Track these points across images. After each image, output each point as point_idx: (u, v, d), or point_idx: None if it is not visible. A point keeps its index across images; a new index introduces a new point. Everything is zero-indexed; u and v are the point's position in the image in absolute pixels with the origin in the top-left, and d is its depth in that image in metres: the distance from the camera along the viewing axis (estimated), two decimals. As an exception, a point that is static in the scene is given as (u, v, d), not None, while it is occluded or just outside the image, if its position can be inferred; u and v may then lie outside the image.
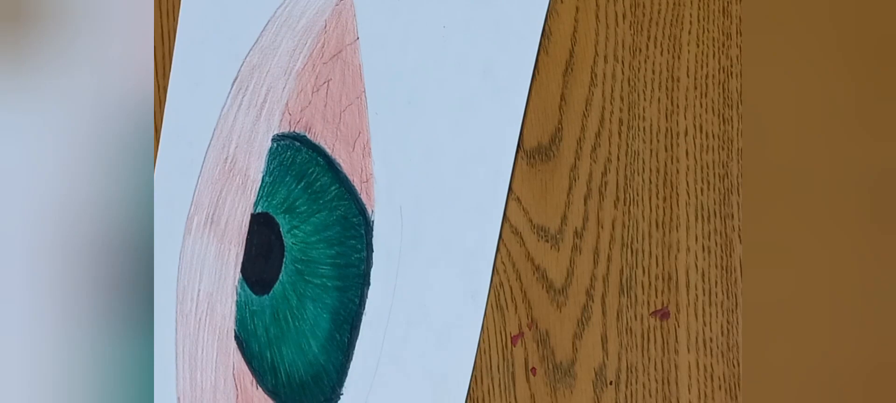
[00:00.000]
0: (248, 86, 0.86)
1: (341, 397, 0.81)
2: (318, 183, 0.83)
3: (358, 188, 0.81)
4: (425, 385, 0.78)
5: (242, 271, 0.86)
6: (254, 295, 0.85)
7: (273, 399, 0.84)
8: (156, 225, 0.90)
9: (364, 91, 0.81)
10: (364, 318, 0.80)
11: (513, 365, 0.76)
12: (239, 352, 0.86)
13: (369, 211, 0.80)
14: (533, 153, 0.75)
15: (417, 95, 0.79)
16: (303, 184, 0.83)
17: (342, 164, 0.82)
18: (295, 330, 0.83)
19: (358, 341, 0.81)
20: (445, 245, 0.78)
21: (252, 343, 0.85)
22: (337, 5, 0.83)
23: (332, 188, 0.82)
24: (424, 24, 0.79)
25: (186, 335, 0.88)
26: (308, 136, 0.83)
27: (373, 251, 0.80)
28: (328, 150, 0.82)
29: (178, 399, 0.88)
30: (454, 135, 0.77)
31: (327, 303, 0.82)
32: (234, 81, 0.87)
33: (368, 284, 0.80)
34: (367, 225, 0.80)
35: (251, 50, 0.87)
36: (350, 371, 0.81)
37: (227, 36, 0.87)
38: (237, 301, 0.86)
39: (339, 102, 0.82)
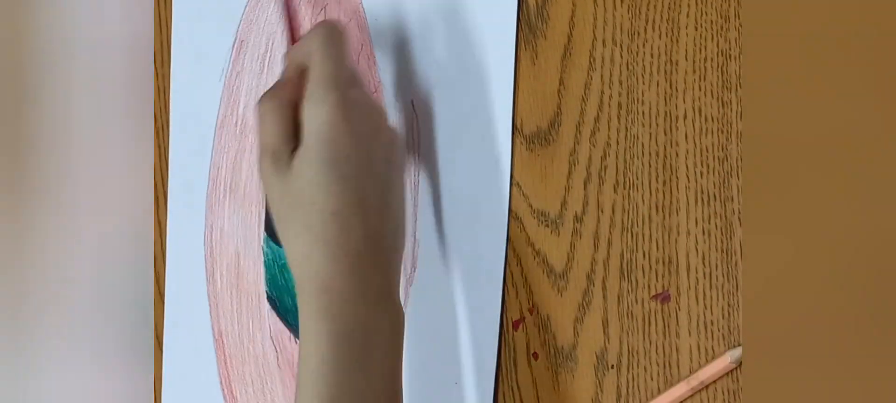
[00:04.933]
0: (248, 41, 0.86)
1: None
2: None
3: None
4: (462, 270, 0.77)
5: (266, 228, 0.85)
6: (280, 249, 0.84)
7: None
8: (176, 216, 0.89)
9: (361, 2, 0.81)
10: None
11: (514, 351, 0.76)
12: (274, 312, 0.85)
13: None
14: (532, 138, 0.75)
15: None
16: None
17: None
18: None
19: None
20: (462, 119, 0.77)
21: (285, 299, 0.85)
22: None
23: None
24: None
25: (221, 315, 0.88)
26: None
27: None
28: None
29: (222, 388, 0.87)
30: (454, 8, 0.77)
31: None
32: (234, 42, 0.87)
33: None
34: None
35: (247, 4, 0.86)
36: None
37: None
38: (265, 261, 0.86)
39: None
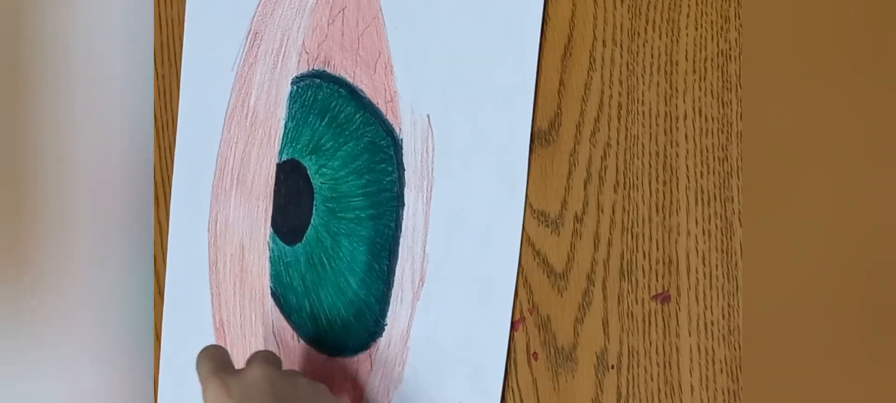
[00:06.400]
0: (262, 35, 0.86)
1: (385, 328, 0.80)
2: (343, 114, 0.81)
3: (383, 109, 0.80)
4: (471, 290, 0.76)
5: (273, 224, 0.85)
6: (287, 247, 0.84)
7: (316, 348, 0.83)
8: (180, 202, 0.89)
9: (380, 9, 0.80)
10: (401, 240, 0.79)
11: (515, 351, 0.76)
12: (277, 309, 0.85)
13: (397, 130, 0.79)
14: (532, 138, 0.75)
15: None
16: (326, 119, 0.82)
17: (365, 90, 0.81)
18: (332, 271, 0.82)
19: (397, 265, 0.79)
20: (479, 139, 0.76)
21: (289, 297, 0.84)
22: None
23: (357, 116, 0.81)
24: None
25: (223, 305, 0.88)
26: (328, 70, 0.82)
27: (404, 170, 0.79)
28: (349, 79, 0.81)
29: None
30: (475, 26, 0.76)
31: (363, 235, 0.81)
32: (247, 34, 0.86)
33: (403, 205, 0.79)
34: (396, 145, 0.79)
35: None
36: (392, 299, 0.80)
37: None
38: (270, 256, 0.85)
39: (356, 27, 0.81)
